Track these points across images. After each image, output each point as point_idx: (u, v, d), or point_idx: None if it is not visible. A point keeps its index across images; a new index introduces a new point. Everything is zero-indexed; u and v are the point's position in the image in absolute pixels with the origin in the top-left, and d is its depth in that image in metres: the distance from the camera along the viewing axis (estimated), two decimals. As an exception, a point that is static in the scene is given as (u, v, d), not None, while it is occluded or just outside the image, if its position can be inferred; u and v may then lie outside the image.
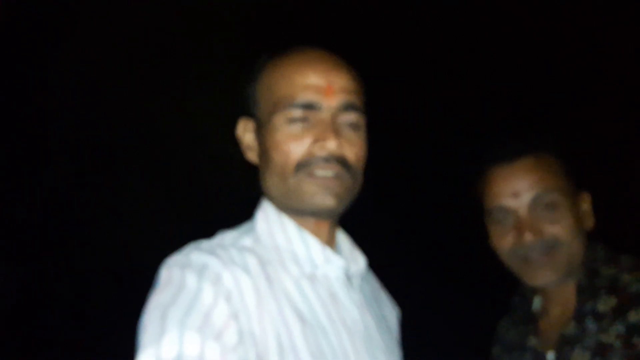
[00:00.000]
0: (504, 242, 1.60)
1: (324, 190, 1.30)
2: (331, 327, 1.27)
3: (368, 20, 4.43)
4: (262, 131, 1.37)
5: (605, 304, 1.47)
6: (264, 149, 1.36)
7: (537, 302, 1.69)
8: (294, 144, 1.30)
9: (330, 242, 1.40)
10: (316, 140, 1.30)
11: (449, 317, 4.30)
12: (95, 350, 3.84)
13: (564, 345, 1.50)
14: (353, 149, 1.33)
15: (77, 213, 4.50)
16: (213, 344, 1.08)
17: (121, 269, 4.20)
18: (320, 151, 1.29)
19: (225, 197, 4.08)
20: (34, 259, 4.35)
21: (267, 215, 1.39)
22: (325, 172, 1.29)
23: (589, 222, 1.62)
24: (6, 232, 4.20)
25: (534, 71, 4.50)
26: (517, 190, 1.58)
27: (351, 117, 1.34)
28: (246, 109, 1.43)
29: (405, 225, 4.63)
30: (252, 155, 1.43)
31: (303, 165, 1.30)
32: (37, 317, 4.30)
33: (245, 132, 1.44)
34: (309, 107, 1.30)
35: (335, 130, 1.30)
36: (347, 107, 1.33)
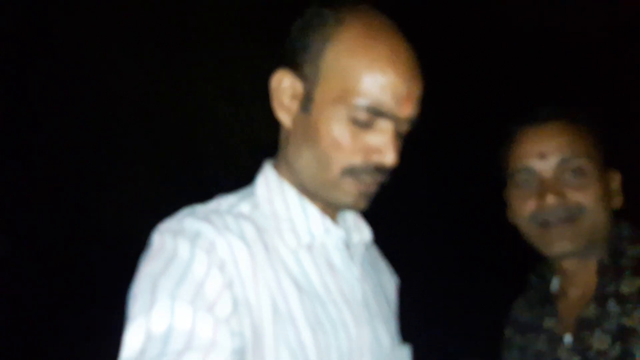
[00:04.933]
0: (524, 206, 1.50)
1: (362, 195, 1.22)
2: (328, 297, 1.22)
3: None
4: (313, 107, 1.20)
5: (630, 285, 1.36)
6: (310, 128, 1.21)
7: (555, 283, 1.58)
8: (351, 143, 1.17)
9: (333, 212, 1.33)
10: (376, 150, 1.18)
11: (452, 292, 4.22)
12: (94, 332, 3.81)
13: (583, 328, 1.40)
14: (397, 158, 1.23)
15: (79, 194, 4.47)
16: (205, 316, 1.03)
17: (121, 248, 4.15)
18: (377, 162, 1.18)
19: (227, 178, 4.04)
20: (32, 237, 4.33)
21: (267, 181, 1.30)
22: (371, 179, 1.21)
23: (617, 202, 1.52)
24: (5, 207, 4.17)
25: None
26: (543, 151, 1.48)
27: (408, 128, 1.23)
28: (290, 58, 1.24)
29: (410, 195, 4.56)
30: (284, 117, 1.26)
31: (354, 171, 1.19)
32: (35, 294, 4.28)
33: (285, 90, 1.24)
34: (380, 113, 1.17)
35: (397, 142, 1.20)
36: (412, 121, 1.22)
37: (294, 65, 1.22)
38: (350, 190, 1.21)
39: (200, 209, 1.24)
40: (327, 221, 1.27)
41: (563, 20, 4.51)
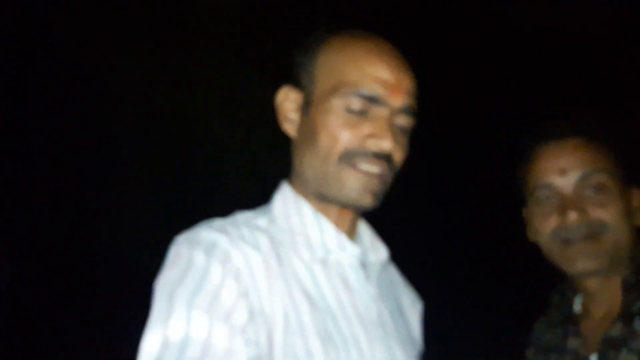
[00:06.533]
0: (545, 224, 1.49)
1: (364, 187, 1.25)
2: (341, 313, 1.23)
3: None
4: (312, 108, 1.30)
5: None
6: (309, 128, 1.29)
7: (578, 302, 1.57)
8: (346, 131, 1.24)
9: (351, 230, 1.36)
10: (371, 136, 1.24)
11: (474, 314, 4.21)
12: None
13: (609, 347, 1.39)
14: (400, 151, 1.29)
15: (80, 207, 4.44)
16: (221, 326, 1.06)
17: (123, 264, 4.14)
18: (374, 147, 1.23)
19: (226, 178, 4.04)
20: (35, 254, 4.31)
21: (284, 197, 1.35)
22: (371, 167, 1.24)
23: (639, 219, 1.51)
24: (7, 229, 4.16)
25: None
26: (564, 167, 1.47)
27: (407, 120, 1.29)
28: (292, 77, 1.36)
29: (431, 217, 4.55)
30: (289, 128, 1.36)
31: (350, 155, 1.24)
32: (38, 312, 4.27)
33: (287, 102, 1.36)
34: (372, 100, 1.24)
35: (392, 130, 1.25)
36: (407, 111, 1.28)
37: (295, 81, 1.34)
38: (351, 182, 1.24)
39: (218, 221, 1.27)
40: (342, 237, 1.30)
41: (563, 20, 4.51)
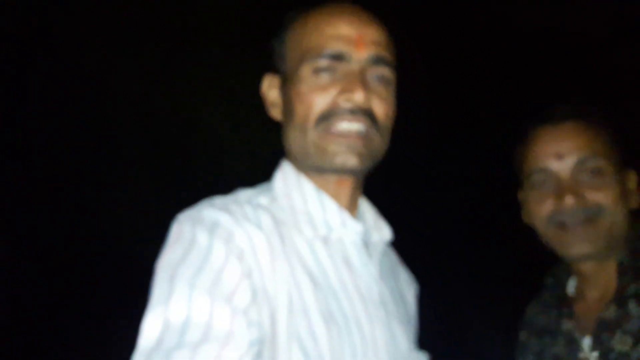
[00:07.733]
0: (542, 208, 1.49)
1: (346, 149, 1.23)
2: (343, 291, 1.22)
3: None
4: (287, 85, 1.31)
5: None
6: (287, 103, 1.30)
7: (572, 285, 1.57)
8: (318, 95, 1.24)
9: (352, 206, 1.34)
10: (342, 92, 1.23)
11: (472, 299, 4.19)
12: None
13: (603, 329, 1.39)
14: (382, 104, 1.26)
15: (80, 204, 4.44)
16: (223, 307, 1.04)
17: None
18: (346, 103, 1.22)
19: (225, 178, 4.04)
20: (35, 254, 4.31)
21: (285, 175, 1.34)
22: (349, 125, 1.23)
23: (634, 202, 1.51)
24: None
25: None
26: (560, 151, 1.47)
27: (381, 70, 1.27)
28: (272, 65, 1.37)
29: (427, 202, 4.54)
30: (275, 112, 1.37)
31: (326, 117, 1.23)
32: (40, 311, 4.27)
33: (270, 89, 1.38)
34: (337, 57, 1.24)
35: (364, 82, 1.23)
36: (378, 60, 1.26)
37: (273, 67, 1.35)
38: (331, 146, 1.23)
39: (220, 200, 1.25)
40: (345, 214, 1.29)
41: (563, 20, 4.51)
